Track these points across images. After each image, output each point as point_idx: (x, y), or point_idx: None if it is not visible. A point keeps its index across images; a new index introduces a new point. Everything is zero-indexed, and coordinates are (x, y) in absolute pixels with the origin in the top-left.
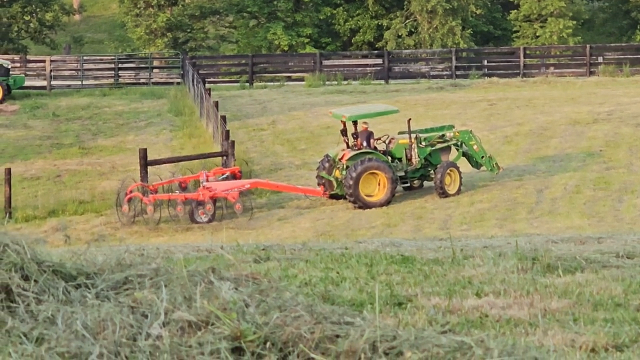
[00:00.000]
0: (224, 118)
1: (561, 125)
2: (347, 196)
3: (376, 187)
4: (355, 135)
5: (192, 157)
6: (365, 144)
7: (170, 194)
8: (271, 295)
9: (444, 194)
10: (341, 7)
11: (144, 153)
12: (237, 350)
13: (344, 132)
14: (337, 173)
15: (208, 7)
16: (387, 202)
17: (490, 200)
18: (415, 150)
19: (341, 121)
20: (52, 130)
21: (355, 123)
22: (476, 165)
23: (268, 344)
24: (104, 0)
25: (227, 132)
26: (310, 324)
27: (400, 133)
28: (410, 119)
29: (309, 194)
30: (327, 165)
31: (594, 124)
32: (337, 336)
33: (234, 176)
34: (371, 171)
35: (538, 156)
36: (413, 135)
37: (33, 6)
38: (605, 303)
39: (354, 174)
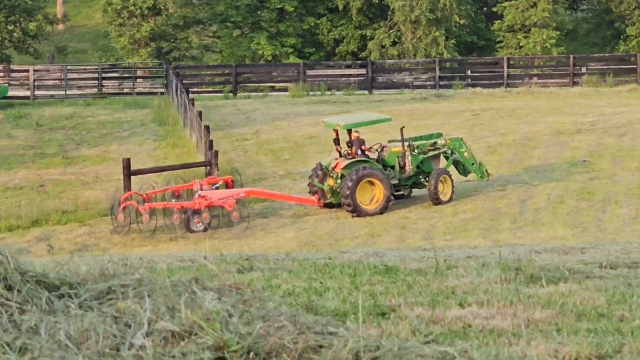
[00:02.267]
0: (207, 128)
1: (545, 135)
2: (344, 205)
3: (371, 196)
4: (350, 143)
5: (175, 167)
6: (359, 152)
7: (166, 202)
8: (254, 306)
9: (437, 201)
10: (325, 17)
11: (127, 163)
12: None
13: (336, 141)
14: (330, 182)
15: (192, 17)
16: (383, 210)
17: (474, 210)
18: (409, 158)
19: (334, 130)
20: (36, 140)
21: (349, 132)
22: (464, 172)
23: (251, 354)
24: (87, 10)
25: (211, 142)
26: (294, 334)
27: (390, 141)
28: (403, 127)
29: (304, 203)
30: (319, 173)
31: (578, 134)
32: (321, 346)
33: (226, 185)
34: (368, 179)
35: (522, 166)
36: (406, 143)
37: (17, 16)
38: (588, 313)
39: (350, 183)
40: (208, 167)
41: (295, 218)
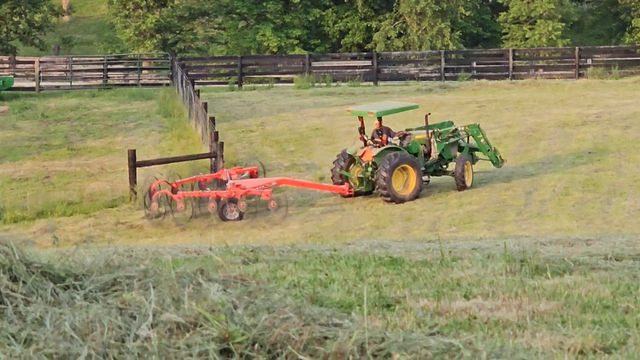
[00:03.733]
0: (212, 119)
1: (550, 127)
2: (381, 194)
3: (403, 182)
4: (380, 131)
5: (181, 158)
6: (389, 139)
7: (201, 191)
8: (259, 297)
9: (463, 186)
10: (330, 9)
11: (132, 154)
12: (225, 352)
13: (361, 130)
14: (358, 170)
15: (197, 9)
16: (416, 196)
17: (479, 202)
18: (435, 144)
19: (359, 118)
20: (41, 132)
21: (379, 119)
22: (472, 160)
23: (256, 345)
24: (93, 1)
25: (216, 133)
26: (299, 325)
27: (407, 130)
28: (428, 114)
29: (335, 192)
30: (343, 163)
31: (583, 126)
32: (326, 338)
33: (250, 175)
34: (402, 166)
35: (527, 158)
36: (431, 130)
37: (22, 7)
38: (593, 305)
39: (386, 171)
40: (213, 159)
41: (301, 208)
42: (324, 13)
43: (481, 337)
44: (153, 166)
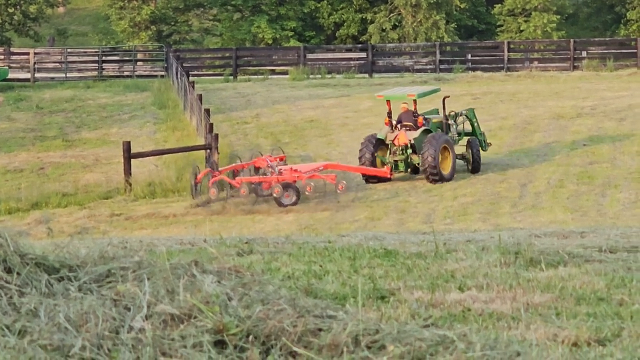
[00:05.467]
0: (207, 111)
1: (545, 119)
2: (429, 175)
3: (442, 162)
4: (415, 114)
5: (175, 150)
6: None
7: (261, 176)
8: (254, 289)
9: (478, 168)
10: (325, 1)
11: (127, 146)
12: (219, 344)
13: (390, 114)
14: (388, 154)
15: (192, 0)
16: (452, 176)
17: (474, 194)
18: (454, 127)
19: (387, 103)
20: (36, 123)
21: (415, 102)
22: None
23: (250, 337)
24: None
25: (211, 125)
26: (293, 317)
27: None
28: (447, 97)
29: (378, 175)
30: (372, 148)
31: (578, 118)
32: (320, 330)
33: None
34: (443, 146)
35: (522, 150)
36: (448, 113)
37: None
38: (587, 297)
39: (434, 152)
40: (208, 151)
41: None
42: (319, 5)
43: (475, 329)
44: (148, 157)
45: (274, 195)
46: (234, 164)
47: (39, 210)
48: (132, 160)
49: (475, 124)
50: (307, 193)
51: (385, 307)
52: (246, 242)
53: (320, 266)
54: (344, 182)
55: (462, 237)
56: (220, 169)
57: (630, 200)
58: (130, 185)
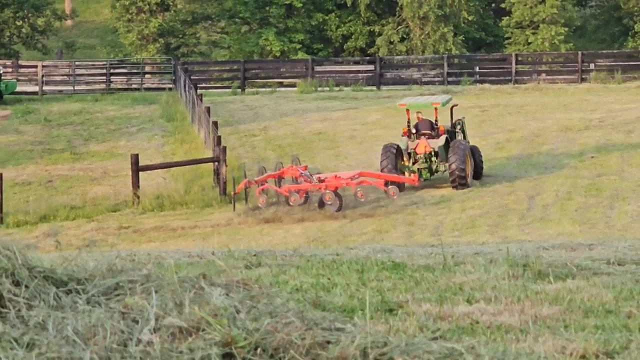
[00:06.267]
0: (215, 124)
1: (553, 131)
2: (457, 181)
3: None
4: (436, 122)
5: (183, 162)
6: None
7: (308, 183)
8: (262, 302)
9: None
10: (333, 14)
11: (135, 159)
12: (227, 356)
13: (409, 124)
14: (409, 163)
15: (200, 13)
16: (472, 183)
17: (482, 206)
18: (461, 134)
19: (407, 112)
20: (44, 136)
21: (436, 110)
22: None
23: (259, 350)
24: (96, 5)
25: (219, 137)
26: (301, 330)
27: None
28: (456, 105)
29: (407, 182)
30: (394, 157)
31: (586, 131)
32: (328, 342)
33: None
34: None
35: (530, 163)
36: (458, 122)
37: (25, 11)
38: (596, 310)
39: (462, 159)
40: (216, 163)
41: (304, 212)
42: (326, 17)
43: (484, 341)
44: (156, 170)
45: (326, 202)
46: (266, 174)
47: (47, 223)
48: (140, 173)
49: (465, 133)
50: (359, 199)
51: (394, 319)
52: (254, 255)
53: (329, 279)
54: (395, 187)
55: (470, 250)
56: (255, 179)
57: (639, 212)
58: (139, 198)
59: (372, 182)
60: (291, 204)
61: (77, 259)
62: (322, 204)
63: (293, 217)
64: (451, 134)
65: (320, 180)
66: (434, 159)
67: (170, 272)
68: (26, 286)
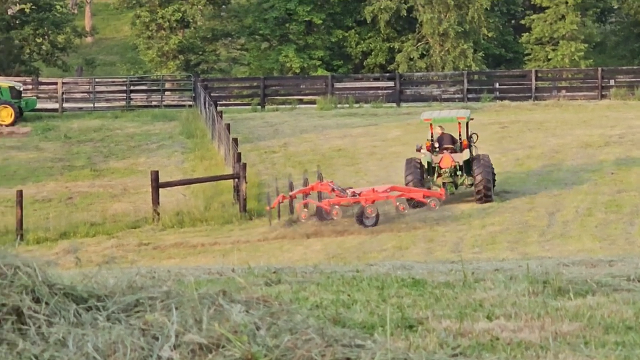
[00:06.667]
0: (235, 140)
1: (573, 148)
2: (483, 195)
3: None
4: (460, 137)
5: (203, 179)
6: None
7: (349, 197)
8: (282, 318)
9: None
10: (353, 30)
11: (155, 175)
12: None
13: (432, 138)
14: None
15: (220, 30)
16: None
17: (502, 223)
18: (474, 149)
19: (430, 126)
20: (64, 153)
21: (460, 125)
22: None
23: None
24: (116, 22)
25: (239, 154)
26: (321, 346)
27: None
28: (471, 119)
29: (434, 197)
30: (419, 171)
31: (606, 147)
32: (348, 359)
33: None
34: None
35: (549, 179)
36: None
37: (45, 28)
38: (616, 326)
39: (488, 173)
40: (236, 180)
41: (324, 226)
42: (346, 34)
43: (504, 358)
44: (176, 187)
45: (368, 215)
46: (298, 189)
47: (67, 239)
48: (160, 189)
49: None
50: (401, 212)
51: (414, 336)
52: (274, 272)
53: (349, 295)
54: (437, 200)
55: (490, 266)
56: (290, 193)
57: None
58: (159, 214)
59: (412, 195)
60: (334, 217)
61: (97, 275)
62: (360, 218)
63: (334, 230)
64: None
65: (355, 195)
66: (459, 173)
67: (190, 289)
68: (46, 303)
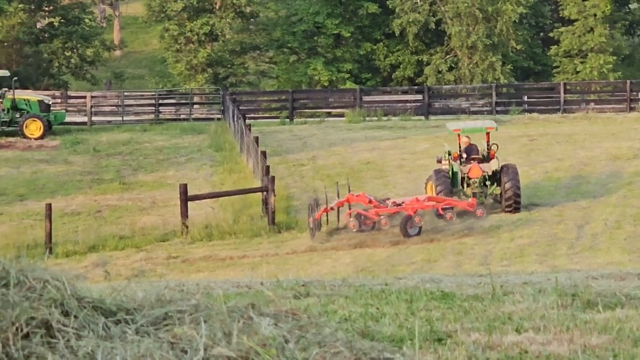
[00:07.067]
0: (264, 153)
1: (601, 160)
2: (512, 205)
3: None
4: (489, 146)
5: (232, 192)
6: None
7: (390, 207)
8: (311, 331)
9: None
10: (381, 43)
11: (184, 188)
12: None
13: (461, 148)
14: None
15: (248, 43)
16: None
17: (531, 235)
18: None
19: (458, 137)
20: (93, 166)
21: (488, 135)
22: None
23: None
24: (144, 36)
25: (268, 167)
26: (350, 359)
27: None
28: (494, 128)
29: (465, 207)
30: (449, 182)
31: (634, 159)
32: None
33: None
34: None
35: (578, 192)
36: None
37: (74, 42)
38: None
39: (515, 181)
40: (265, 193)
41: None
42: (375, 47)
43: None
44: (205, 200)
45: (416, 224)
46: (337, 201)
47: (96, 253)
48: (189, 202)
49: None
50: (449, 221)
51: (442, 349)
52: (303, 285)
53: (377, 309)
54: (483, 208)
55: (518, 279)
56: (331, 205)
57: None
58: (187, 227)
59: (459, 203)
60: (383, 227)
61: (126, 289)
62: (405, 228)
63: (382, 241)
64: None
65: (397, 204)
66: (488, 182)
67: (219, 302)
68: (75, 316)
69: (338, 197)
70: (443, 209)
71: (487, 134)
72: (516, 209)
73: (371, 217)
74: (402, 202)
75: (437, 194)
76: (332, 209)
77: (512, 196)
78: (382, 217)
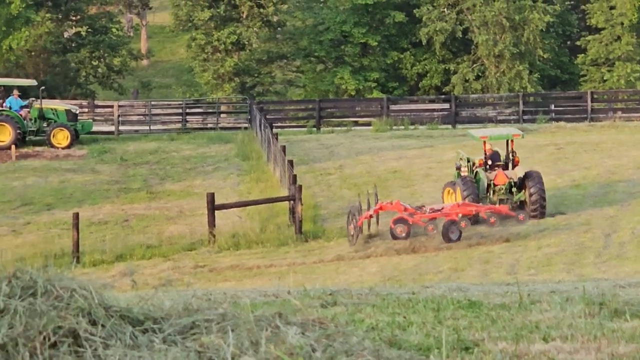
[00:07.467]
0: (291, 162)
1: (629, 169)
2: (540, 209)
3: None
4: (513, 153)
5: (259, 201)
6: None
7: (438, 212)
8: (338, 340)
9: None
10: (408, 52)
11: (211, 197)
12: None
13: (486, 155)
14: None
15: (275, 52)
16: None
17: (558, 244)
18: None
19: (483, 144)
20: (120, 175)
21: (512, 142)
22: None
23: None
24: (171, 45)
25: (295, 176)
26: None
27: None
28: (520, 135)
29: (507, 213)
30: (476, 189)
31: None
32: None
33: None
34: None
35: (606, 200)
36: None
37: (101, 51)
38: None
39: (541, 187)
40: (292, 202)
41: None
42: (402, 56)
43: None
44: (232, 209)
45: (462, 229)
46: (373, 208)
47: (123, 262)
48: (216, 211)
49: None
50: (492, 226)
51: (470, 358)
52: (330, 294)
53: (404, 317)
54: (523, 214)
55: (546, 288)
56: (370, 212)
57: None
58: (214, 236)
59: (499, 208)
60: (429, 233)
61: (154, 298)
62: (447, 233)
63: (429, 246)
64: (507, 164)
65: (436, 210)
66: (514, 189)
67: (246, 311)
68: (103, 325)
69: (368, 206)
70: (486, 214)
71: (512, 141)
72: (542, 214)
73: (418, 223)
74: (442, 208)
75: (464, 199)
76: (371, 216)
77: (538, 200)
78: (428, 223)
